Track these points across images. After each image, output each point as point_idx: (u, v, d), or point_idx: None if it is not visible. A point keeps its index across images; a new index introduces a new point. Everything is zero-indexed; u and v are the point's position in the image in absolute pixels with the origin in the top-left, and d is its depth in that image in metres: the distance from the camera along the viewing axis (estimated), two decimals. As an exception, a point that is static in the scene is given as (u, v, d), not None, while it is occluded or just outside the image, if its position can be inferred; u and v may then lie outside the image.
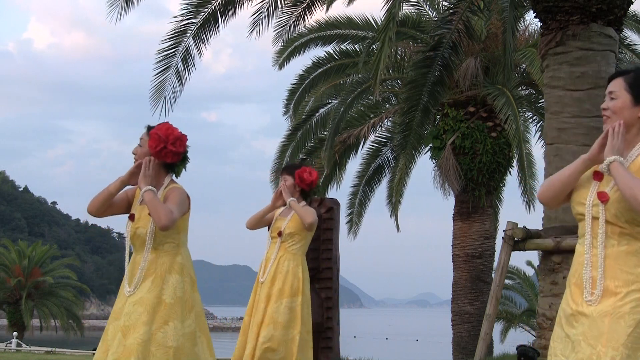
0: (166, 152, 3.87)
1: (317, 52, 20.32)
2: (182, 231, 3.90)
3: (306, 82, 16.27)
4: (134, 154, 3.98)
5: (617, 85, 2.91)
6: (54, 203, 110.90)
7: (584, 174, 2.94)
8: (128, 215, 3.95)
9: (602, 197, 2.81)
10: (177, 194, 3.85)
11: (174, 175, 4.00)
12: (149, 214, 3.80)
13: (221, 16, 11.41)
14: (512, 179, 18.16)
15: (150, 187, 3.78)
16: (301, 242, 5.46)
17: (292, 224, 5.45)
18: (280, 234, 5.45)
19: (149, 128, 3.99)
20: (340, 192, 18.24)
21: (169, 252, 3.83)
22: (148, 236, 3.81)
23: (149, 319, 3.68)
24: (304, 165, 5.81)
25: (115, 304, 3.88)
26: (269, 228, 5.65)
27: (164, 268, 3.79)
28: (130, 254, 3.91)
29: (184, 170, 4.02)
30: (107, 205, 3.93)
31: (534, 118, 16.07)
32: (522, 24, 15.66)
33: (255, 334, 5.29)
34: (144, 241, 3.83)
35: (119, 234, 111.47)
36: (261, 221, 5.63)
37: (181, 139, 3.91)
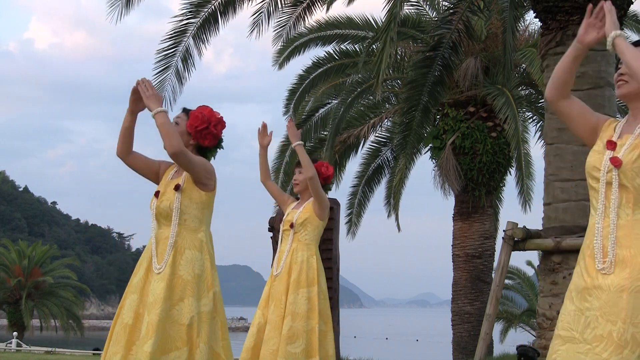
0: (207, 132, 3.81)
1: (317, 52, 20.39)
2: (207, 208, 3.82)
3: (306, 82, 16.27)
4: None
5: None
6: (54, 203, 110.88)
7: (598, 144, 2.90)
8: (154, 193, 3.87)
9: (615, 162, 2.78)
10: (203, 160, 3.79)
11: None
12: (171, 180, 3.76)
13: (221, 16, 11.42)
14: (512, 179, 18.18)
15: (162, 108, 3.64)
16: (314, 232, 5.44)
17: (304, 214, 5.44)
18: (292, 225, 5.44)
19: (186, 110, 3.94)
20: (340, 192, 18.26)
21: (190, 227, 3.77)
22: (174, 211, 3.74)
23: (167, 295, 3.63)
24: (320, 159, 5.82)
25: (132, 276, 3.80)
26: (276, 227, 5.64)
27: (183, 243, 3.73)
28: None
29: (213, 158, 3.94)
30: (127, 142, 3.84)
31: (534, 118, 16.08)
32: (522, 24, 15.68)
33: (279, 328, 5.26)
34: (168, 215, 3.76)
35: (119, 234, 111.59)
36: (267, 169, 5.74)
37: (222, 123, 3.87)
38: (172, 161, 3.82)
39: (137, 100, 3.75)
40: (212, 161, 3.95)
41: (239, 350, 5.69)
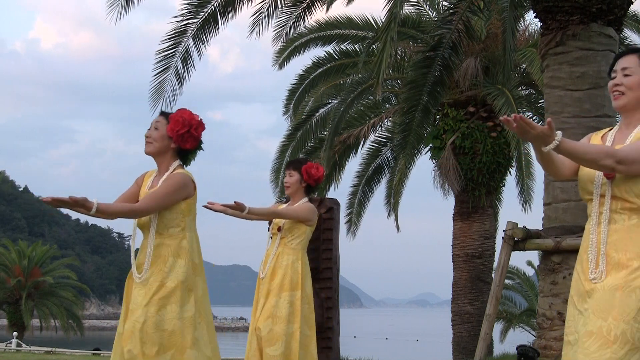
0: (188, 136, 3.85)
1: (317, 52, 20.33)
2: (188, 215, 3.86)
3: (306, 82, 16.28)
4: (147, 137, 3.91)
5: (632, 62, 2.88)
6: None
7: None
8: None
9: (608, 175, 2.80)
10: (171, 182, 3.80)
11: (181, 162, 3.96)
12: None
13: (221, 16, 11.42)
14: (512, 179, 18.18)
15: (94, 203, 3.58)
16: (301, 237, 5.44)
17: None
18: (279, 229, 5.45)
19: (164, 113, 3.97)
20: (340, 192, 18.25)
21: (174, 236, 3.81)
22: (152, 222, 3.80)
23: (147, 301, 3.69)
24: (309, 160, 5.78)
25: (125, 289, 3.89)
26: (269, 225, 5.64)
27: (168, 252, 3.77)
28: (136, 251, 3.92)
29: (193, 159, 3.99)
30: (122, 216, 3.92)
31: (534, 118, 16.06)
32: (522, 24, 15.68)
33: (253, 328, 5.30)
34: (149, 225, 3.82)
35: (119, 234, 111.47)
36: (265, 212, 5.44)
37: (202, 125, 3.91)
38: (146, 171, 3.96)
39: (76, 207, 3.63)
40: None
41: (241, 350, 5.72)
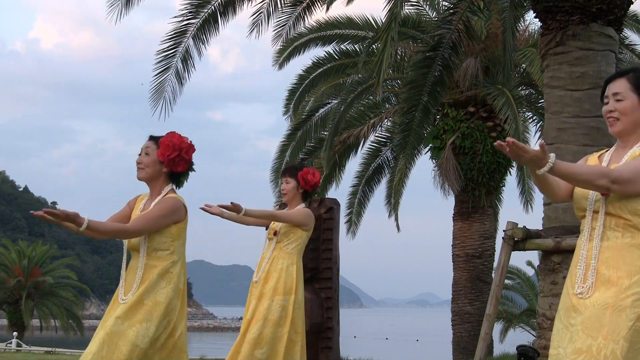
0: (179, 160, 3.92)
1: (317, 52, 20.33)
2: (177, 239, 3.91)
3: (306, 82, 16.28)
4: (138, 163, 3.97)
5: (622, 87, 2.89)
6: (54, 203, 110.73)
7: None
8: None
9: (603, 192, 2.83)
10: (163, 206, 3.87)
11: (174, 185, 4.02)
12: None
13: (221, 17, 11.41)
14: (512, 179, 18.18)
15: (85, 218, 3.59)
16: (297, 242, 5.44)
17: (288, 224, 5.46)
18: (276, 233, 5.45)
19: (153, 137, 4.02)
20: (340, 192, 18.26)
21: (162, 258, 3.86)
22: (142, 245, 3.85)
23: (122, 315, 3.73)
24: (305, 166, 5.79)
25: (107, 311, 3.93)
26: (266, 229, 5.65)
27: (154, 273, 3.82)
28: (128, 260, 3.95)
29: (185, 181, 4.05)
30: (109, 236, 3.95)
31: (534, 118, 16.08)
32: (522, 24, 15.67)
33: (244, 330, 5.31)
34: (138, 247, 3.88)
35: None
36: (262, 214, 5.45)
37: (192, 148, 3.99)
38: (139, 194, 4.04)
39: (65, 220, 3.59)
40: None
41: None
